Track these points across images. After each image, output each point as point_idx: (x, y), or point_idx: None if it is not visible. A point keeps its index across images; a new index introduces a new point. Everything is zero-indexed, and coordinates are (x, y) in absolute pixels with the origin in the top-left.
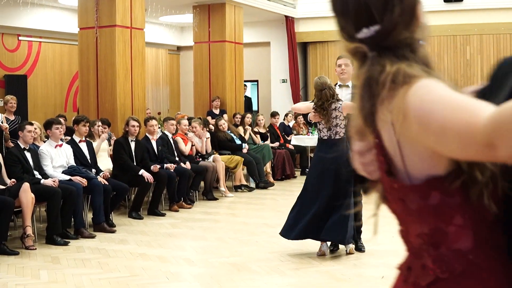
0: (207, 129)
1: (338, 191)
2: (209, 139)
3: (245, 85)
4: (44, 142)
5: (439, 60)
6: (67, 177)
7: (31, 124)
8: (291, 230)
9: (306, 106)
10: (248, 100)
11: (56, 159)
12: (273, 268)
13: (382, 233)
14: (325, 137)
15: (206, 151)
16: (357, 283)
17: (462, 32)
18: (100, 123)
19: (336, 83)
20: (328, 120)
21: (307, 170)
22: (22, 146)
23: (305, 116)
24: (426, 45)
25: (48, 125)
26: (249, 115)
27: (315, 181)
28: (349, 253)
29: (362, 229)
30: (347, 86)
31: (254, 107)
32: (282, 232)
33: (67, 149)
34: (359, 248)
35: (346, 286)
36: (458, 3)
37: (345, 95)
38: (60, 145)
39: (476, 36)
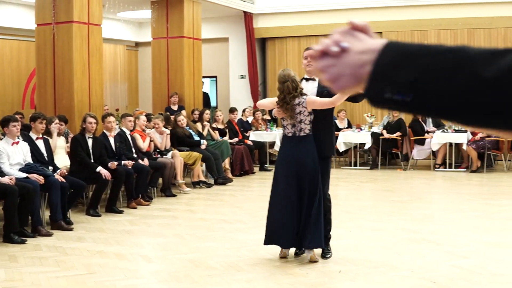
0: (170, 127)
1: (304, 192)
2: (169, 135)
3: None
4: (0, 139)
5: None
6: (24, 175)
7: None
8: (272, 236)
9: (270, 101)
10: (205, 96)
11: (13, 156)
12: (231, 264)
13: (340, 227)
14: (290, 134)
15: (165, 148)
16: (314, 278)
17: (420, 27)
18: (57, 120)
19: (303, 77)
20: (292, 116)
21: (274, 168)
22: None
23: (270, 112)
24: None
25: (5, 122)
26: (207, 111)
27: (282, 182)
28: (311, 261)
29: (331, 233)
30: (314, 79)
31: (213, 103)
32: (266, 240)
33: (24, 147)
34: (324, 254)
35: (303, 281)
36: None
37: (311, 89)
38: (17, 143)
39: (433, 32)
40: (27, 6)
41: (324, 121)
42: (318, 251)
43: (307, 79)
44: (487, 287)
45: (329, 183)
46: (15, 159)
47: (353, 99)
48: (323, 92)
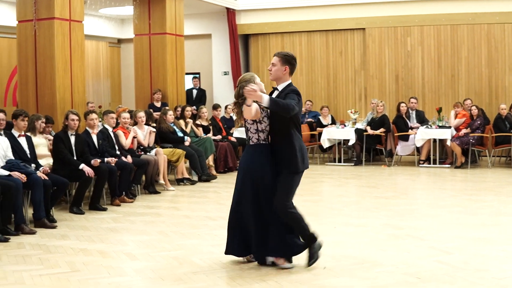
0: (152, 123)
1: (259, 201)
2: (155, 133)
3: (196, 77)
4: None
5: (380, 51)
6: (6, 173)
7: None
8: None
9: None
10: (201, 92)
11: None
12: (215, 261)
13: (325, 224)
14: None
15: (148, 145)
16: (299, 274)
17: (403, 23)
18: (43, 120)
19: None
20: (242, 124)
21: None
22: None
23: None
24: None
25: None
26: (189, 108)
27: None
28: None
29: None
30: (277, 89)
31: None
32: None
33: (3, 142)
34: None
35: (287, 278)
36: None
37: None
38: None
39: (417, 27)
40: (8, 3)
41: (279, 134)
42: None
43: (274, 88)
44: (471, 283)
45: (289, 197)
46: None
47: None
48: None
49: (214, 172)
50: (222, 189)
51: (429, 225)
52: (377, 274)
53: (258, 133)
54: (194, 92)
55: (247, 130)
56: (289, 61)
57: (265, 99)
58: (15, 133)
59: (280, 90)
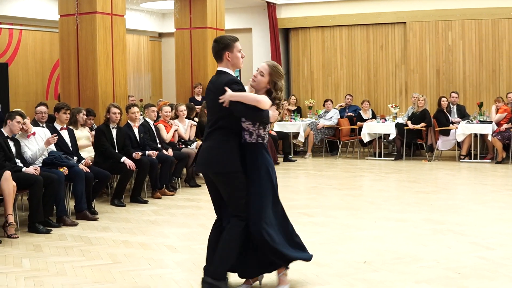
0: (194, 117)
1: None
2: (196, 126)
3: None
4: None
5: (421, 45)
6: (31, 170)
7: (21, 115)
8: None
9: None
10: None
11: (30, 147)
12: None
13: (365, 218)
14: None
15: (189, 138)
16: (339, 268)
17: (444, 17)
18: (84, 112)
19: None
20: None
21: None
22: (6, 135)
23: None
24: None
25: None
26: None
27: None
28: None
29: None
30: None
31: None
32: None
33: (45, 134)
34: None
35: (327, 271)
36: None
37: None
38: (33, 134)
39: (458, 22)
40: None
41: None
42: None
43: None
44: None
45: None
46: (32, 150)
47: None
48: None
49: None
50: None
51: (470, 221)
52: (417, 269)
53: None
54: None
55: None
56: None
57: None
58: (57, 126)
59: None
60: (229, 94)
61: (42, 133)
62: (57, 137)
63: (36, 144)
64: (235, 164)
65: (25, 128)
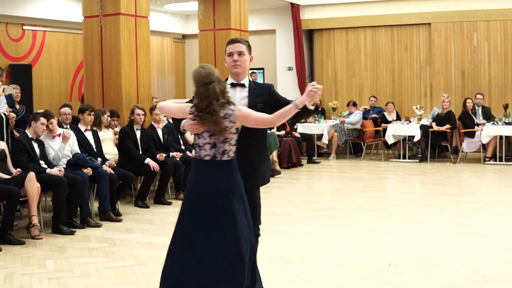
0: None
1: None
2: None
3: (254, 73)
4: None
5: (446, 46)
6: (55, 172)
7: (45, 117)
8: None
9: (178, 108)
10: None
11: (54, 147)
12: (279, 256)
13: (389, 221)
14: (207, 158)
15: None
16: (363, 270)
17: (469, 18)
18: (108, 113)
19: (226, 79)
20: (217, 132)
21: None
22: (30, 136)
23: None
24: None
25: (31, 119)
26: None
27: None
28: None
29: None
30: (243, 85)
31: None
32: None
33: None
34: None
35: (352, 274)
36: None
37: (239, 99)
38: (59, 135)
39: (483, 22)
40: None
41: (255, 144)
42: None
43: (233, 85)
44: None
45: (255, 219)
46: (56, 150)
47: (299, 116)
48: (257, 104)
49: (278, 167)
50: (286, 185)
51: (495, 224)
52: (442, 272)
53: (236, 144)
54: None
55: (222, 142)
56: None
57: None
58: (82, 127)
59: (248, 86)
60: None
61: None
62: (72, 131)
63: (67, 145)
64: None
65: (51, 128)
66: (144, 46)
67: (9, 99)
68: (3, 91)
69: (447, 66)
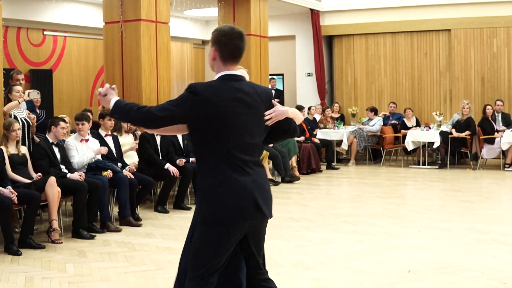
0: None
1: None
2: None
3: (273, 78)
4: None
5: (466, 53)
6: (76, 177)
7: (65, 121)
8: None
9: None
10: (279, 93)
11: (82, 153)
12: (298, 262)
13: (409, 227)
14: None
15: None
16: (383, 277)
17: (489, 24)
18: None
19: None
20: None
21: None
22: (51, 141)
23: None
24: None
25: (52, 122)
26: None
27: None
28: None
29: None
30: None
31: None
32: None
33: (94, 144)
34: None
35: (371, 280)
36: None
37: None
38: (86, 140)
39: (503, 29)
40: (95, 5)
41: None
42: None
43: None
44: None
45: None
46: (81, 155)
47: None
48: None
49: (297, 173)
50: (305, 191)
51: None
52: (462, 279)
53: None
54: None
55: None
56: (217, 39)
57: (111, 103)
58: (102, 132)
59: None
60: (282, 110)
61: (94, 142)
62: (107, 149)
63: (86, 150)
64: None
65: (81, 128)
66: (165, 52)
67: (30, 104)
68: (28, 95)
69: (467, 72)
